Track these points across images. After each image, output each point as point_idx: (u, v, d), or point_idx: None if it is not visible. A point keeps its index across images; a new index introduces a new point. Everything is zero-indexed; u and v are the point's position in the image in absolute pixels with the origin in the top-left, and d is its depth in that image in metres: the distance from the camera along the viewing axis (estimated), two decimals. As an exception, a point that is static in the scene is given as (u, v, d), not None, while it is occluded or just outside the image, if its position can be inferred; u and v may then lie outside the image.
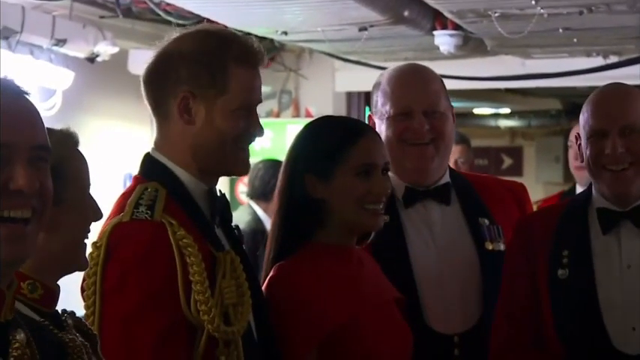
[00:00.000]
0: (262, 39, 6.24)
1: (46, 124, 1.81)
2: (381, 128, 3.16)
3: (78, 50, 6.22)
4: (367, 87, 3.57)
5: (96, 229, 2.32)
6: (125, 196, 2.51)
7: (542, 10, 5.49)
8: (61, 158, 1.93)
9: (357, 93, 8.48)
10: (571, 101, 11.21)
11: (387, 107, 3.15)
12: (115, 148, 7.24)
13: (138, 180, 2.55)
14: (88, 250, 2.06)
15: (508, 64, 7.73)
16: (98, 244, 2.41)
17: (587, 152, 2.96)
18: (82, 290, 2.43)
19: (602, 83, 3.11)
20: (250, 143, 2.59)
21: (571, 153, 5.51)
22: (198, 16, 5.65)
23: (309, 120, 3.09)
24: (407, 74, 3.22)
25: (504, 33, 5.89)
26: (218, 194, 2.60)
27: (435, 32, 6.41)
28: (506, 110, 12.48)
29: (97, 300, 2.39)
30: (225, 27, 2.78)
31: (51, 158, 1.80)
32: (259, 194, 6.33)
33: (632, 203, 2.95)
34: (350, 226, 2.83)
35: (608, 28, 6.15)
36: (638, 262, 2.91)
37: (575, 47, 7.07)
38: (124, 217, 2.44)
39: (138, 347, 2.36)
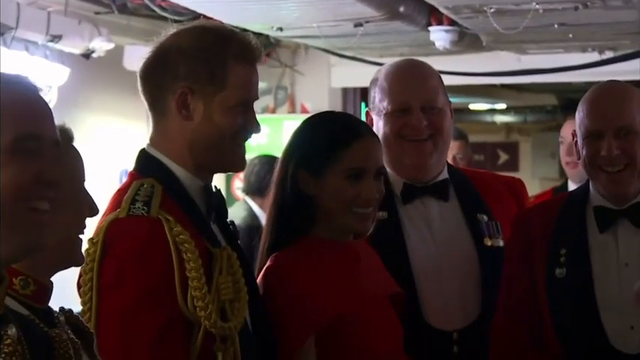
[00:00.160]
0: (258, 35, 6.23)
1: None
2: (379, 124, 3.15)
3: (73, 46, 6.21)
4: (363, 83, 3.57)
5: (92, 225, 2.32)
6: (121, 192, 2.50)
7: (537, 6, 5.50)
8: None
9: (352, 89, 8.49)
10: (567, 97, 11.22)
11: (385, 103, 3.15)
12: (111, 145, 7.23)
13: (133, 176, 2.55)
14: (84, 245, 2.05)
15: (504, 60, 7.73)
16: (94, 240, 2.41)
17: (584, 152, 2.95)
18: (79, 286, 2.42)
19: (597, 79, 3.11)
20: (247, 139, 2.59)
21: (562, 149, 5.50)
22: (193, 12, 5.65)
23: (304, 116, 3.09)
24: (405, 70, 3.22)
25: (500, 29, 5.89)
26: (214, 190, 2.60)
27: (430, 28, 6.41)
28: (502, 106, 12.49)
29: (93, 296, 2.39)
30: (221, 23, 2.77)
31: None
32: (255, 190, 6.33)
33: (630, 201, 2.95)
34: (339, 227, 2.83)
35: (603, 24, 6.15)
36: (635, 260, 2.91)
37: (570, 43, 7.07)
38: (121, 213, 2.43)
39: (135, 343, 2.35)
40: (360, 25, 6.06)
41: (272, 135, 7.80)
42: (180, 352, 2.39)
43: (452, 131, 3.29)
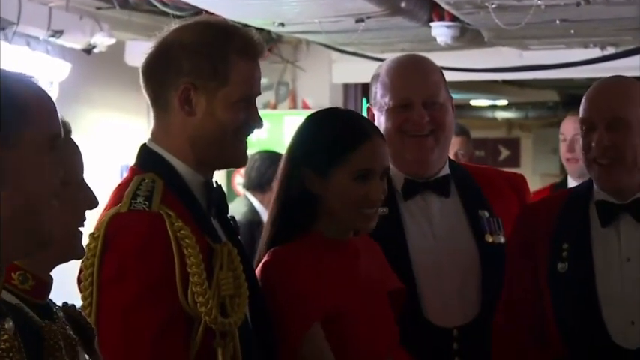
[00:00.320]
0: (259, 30, 6.23)
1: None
2: (381, 120, 3.15)
3: (75, 42, 6.21)
4: (364, 78, 3.57)
5: (93, 220, 2.32)
6: (122, 187, 2.50)
7: (539, 2, 5.49)
8: None
9: (354, 84, 8.48)
10: (568, 93, 11.22)
11: (387, 99, 3.14)
12: (112, 140, 7.23)
13: (134, 171, 2.55)
14: (85, 240, 2.05)
15: (505, 56, 7.73)
16: (95, 235, 2.41)
17: (581, 144, 2.96)
18: (79, 281, 2.42)
19: (599, 75, 3.11)
20: (249, 135, 2.59)
21: (563, 145, 5.50)
22: (195, 7, 5.64)
23: (306, 112, 3.10)
24: (406, 65, 3.21)
25: (501, 24, 5.88)
26: (214, 186, 2.60)
27: (432, 24, 6.40)
28: (504, 102, 12.49)
29: (94, 291, 2.39)
30: (223, 18, 2.77)
31: None
32: (255, 185, 6.32)
33: (632, 196, 2.94)
34: (343, 226, 2.83)
35: (605, 20, 6.14)
36: (637, 255, 2.90)
37: (572, 39, 7.06)
38: (122, 207, 2.43)
39: (137, 338, 2.35)
40: (362, 20, 6.05)
41: (273, 131, 7.79)
42: (182, 347, 2.39)
43: (453, 127, 3.29)
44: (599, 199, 2.97)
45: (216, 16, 5.04)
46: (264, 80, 2.60)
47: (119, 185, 2.53)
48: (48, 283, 1.95)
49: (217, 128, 2.52)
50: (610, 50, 7.39)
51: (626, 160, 2.88)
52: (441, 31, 6.41)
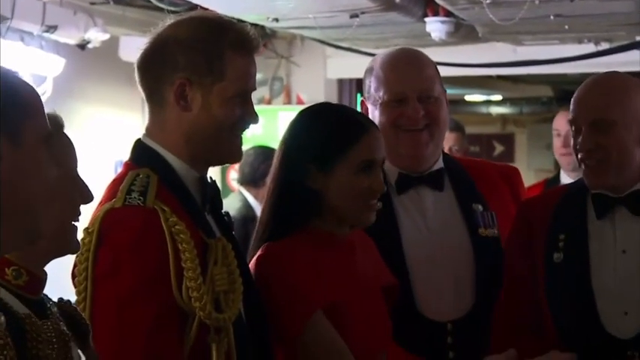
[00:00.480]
0: (254, 26, 6.23)
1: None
2: (375, 113, 3.14)
3: (69, 37, 6.20)
4: (359, 74, 3.56)
5: (87, 215, 2.32)
6: (116, 182, 2.50)
7: (533, -3, 5.50)
8: None
9: (348, 80, 8.48)
10: (562, 88, 11.21)
11: (381, 93, 3.14)
12: (106, 135, 7.22)
13: (129, 166, 2.54)
14: (80, 235, 2.05)
15: (499, 51, 7.72)
16: (90, 230, 2.41)
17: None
18: (73, 276, 2.42)
19: (593, 70, 3.11)
20: (245, 130, 2.59)
21: (557, 141, 5.51)
22: (189, 2, 5.63)
23: (300, 107, 3.09)
24: (400, 59, 3.20)
25: (496, 20, 5.88)
26: (209, 181, 2.60)
27: (426, 19, 6.40)
28: (498, 97, 12.49)
29: (88, 285, 2.38)
30: (218, 14, 2.77)
31: None
32: (249, 180, 6.32)
33: (627, 189, 2.95)
34: (345, 220, 2.82)
35: (599, 15, 6.14)
36: (632, 248, 2.91)
37: (566, 34, 7.06)
38: (117, 202, 2.43)
39: (132, 333, 2.35)
40: (356, 16, 6.05)
41: (267, 126, 7.79)
42: (176, 341, 2.39)
43: (448, 121, 3.28)
44: (595, 191, 2.97)
45: (211, 11, 5.03)
46: (258, 76, 2.60)
47: (114, 180, 2.53)
48: (42, 279, 1.94)
49: (213, 124, 2.51)
50: (604, 45, 7.39)
51: (612, 160, 2.88)
52: (435, 27, 6.41)
